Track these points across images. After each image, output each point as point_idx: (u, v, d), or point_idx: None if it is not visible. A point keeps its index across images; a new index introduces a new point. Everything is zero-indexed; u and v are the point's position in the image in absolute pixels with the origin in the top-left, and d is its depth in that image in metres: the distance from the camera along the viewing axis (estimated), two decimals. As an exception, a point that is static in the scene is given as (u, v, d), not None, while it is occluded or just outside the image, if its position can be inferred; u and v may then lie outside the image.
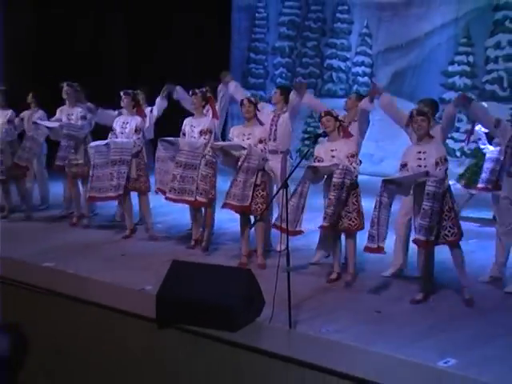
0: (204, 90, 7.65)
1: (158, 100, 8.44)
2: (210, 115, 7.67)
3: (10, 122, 8.87)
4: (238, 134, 7.02)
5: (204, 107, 7.62)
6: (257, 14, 14.01)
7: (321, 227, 6.47)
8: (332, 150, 6.46)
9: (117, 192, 7.79)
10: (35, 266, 6.89)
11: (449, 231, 5.90)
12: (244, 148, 6.76)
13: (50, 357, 5.87)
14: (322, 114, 6.58)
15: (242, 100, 7.16)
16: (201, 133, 7.38)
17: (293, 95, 7.38)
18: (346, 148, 6.45)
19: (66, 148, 8.36)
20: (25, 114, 9.21)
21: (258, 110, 7.12)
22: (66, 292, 6.26)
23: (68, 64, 11.46)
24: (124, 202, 8.03)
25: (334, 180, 6.21)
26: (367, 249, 6.06)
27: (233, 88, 7.93)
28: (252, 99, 7.16)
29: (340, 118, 6.70)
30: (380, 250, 6.05)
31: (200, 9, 13.13)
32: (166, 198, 7.41)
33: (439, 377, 4.56)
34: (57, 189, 9.70)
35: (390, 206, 5.99)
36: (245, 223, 6.96)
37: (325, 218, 6.31)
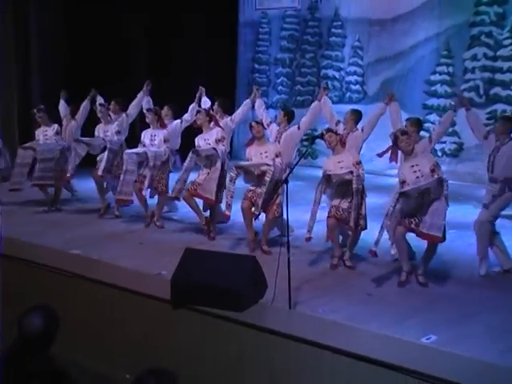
0: (207, 109, 7.86)
1: (191, 106, 8.37)
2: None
3: (57, 134, 8.99)
4: (255, 154, 7.09)
5: (209, 123, 7.64)
6: (260, 29, 13.99)
7: (359, 228, 6.40)
8: (339, 162, 6.49)
9: (153, 195, 8.05)
10: (64, 253, 6.89)
11: None
12: (268, 165, 6.84)
13: (75, 333, 5.88)
14: (324, 132, 6.63)
15: (251, 123, 7.28)
16: (216, 141, 7.44)
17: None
18: (352, 157, 6.49)
19: (108, 160, 8.38)
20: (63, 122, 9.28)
21: (265, 128, 7.31)
22: (90, 276, 6.29)
23: (98, 72, 11.39)
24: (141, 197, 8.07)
25: (354, 187, 6.20)
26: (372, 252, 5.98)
27: (257, 104, 7.98)
28: (259, 121, 7.30)
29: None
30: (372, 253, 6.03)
31: (210, 25, 13.14)
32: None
33: (422, 352, 4.58)
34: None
35: (392, 216, 5.97)
36: (250, 216, 6.98)
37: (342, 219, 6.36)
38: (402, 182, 6.05)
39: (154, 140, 8.04)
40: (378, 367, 4.47)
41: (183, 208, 8.61)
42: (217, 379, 5.27)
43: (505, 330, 4.98)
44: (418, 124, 6.84)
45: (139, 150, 8.09)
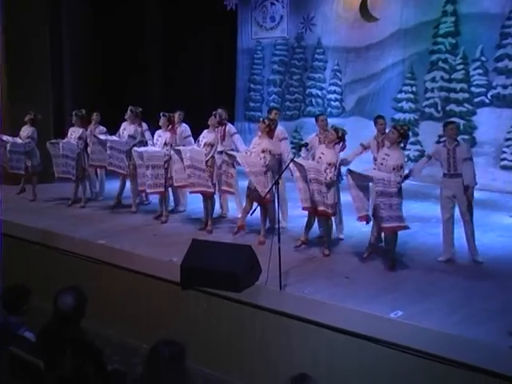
0: (223, 116, 7.65)
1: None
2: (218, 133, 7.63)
3: (80, 138, 8.77)
4: (252, 143, 6.95)
5: (217, 128, 7.56)
6: (255, 55, 13.97)
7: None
8: (322, 153, 6.35)
9: (153, 189, 7.71)
10: (91, 243, 6.88)
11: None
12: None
13: (101, 309, 5.87)
14: (333, 128, 6.52)
15: (259, 119, 7.14)
16: (205, 144, 7.31)
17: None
18: (330, 157, 6.28)
19: (111, 156, 8.22)
20: (89, 127, 9.11)
21: (271, 126, 6.92)
22: (113, 262, 6.29)
23: (119, 82, 11.34)
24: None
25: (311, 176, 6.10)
26: (359, 218, 6.02)
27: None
28: (265, 120, 6.97)
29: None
30: (365, 217, 5.99)
31: (214, 51, 13.20)
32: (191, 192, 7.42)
33: (390, 324, 4.59)
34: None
35: (358, 187, 5.94)
36: (247, 210, 6.92)
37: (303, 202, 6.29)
38: (374, 159, 6.17)
39: (158, 140, 7.88)
40: (354, 338, 4.49)
41: (190, 205, 8.61)
42: (219, 349, 5.27)
43: (458, 306, 5.00)
44: (384, 118, 7.14)
45: (142, 148, 7.94)
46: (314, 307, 4.92)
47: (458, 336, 4.34)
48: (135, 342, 5.54)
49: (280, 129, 7.54)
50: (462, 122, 10.52)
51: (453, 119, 10.62)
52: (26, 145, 9.07)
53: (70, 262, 6.56)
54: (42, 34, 10.80)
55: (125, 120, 8.60)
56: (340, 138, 6.42)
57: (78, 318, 3.44)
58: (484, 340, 4.26)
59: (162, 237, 7.22)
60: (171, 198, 8.42)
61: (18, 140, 9.14)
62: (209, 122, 7.49)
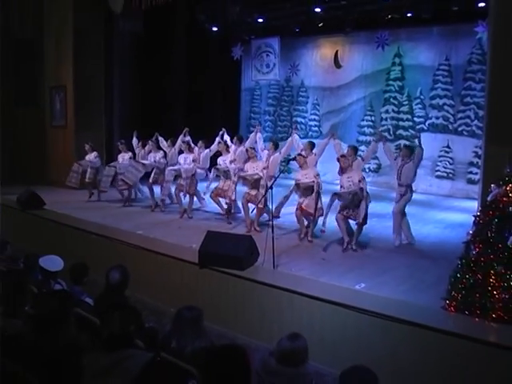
0: (225, 142, 7.86)
1: (216, 140, 8.24)
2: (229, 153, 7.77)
3: (130, 158, 8.94)
4: (249, 167, 7.16)
5: (226, 150, 7.73)
6: (255, 93, 14.00)
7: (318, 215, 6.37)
8: (305, 174, 6.53)
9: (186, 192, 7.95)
10: (132, 233, 6.88)
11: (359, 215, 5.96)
12: (258, 174, 6.95)
13: (140, 282, 5.87)
14: (296, 156, 6.62)
15: (247, 148, 7.34)
16: (230, 162, 7.53)
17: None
18: (313, 172, 6.51)
19: (155, 173, 8.52)
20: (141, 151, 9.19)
21: (257, 151, 7.29)
22: (148, 247, 6.26)
23: (154, 114, 11.43)
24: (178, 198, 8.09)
25: (315, 189, 6.29)
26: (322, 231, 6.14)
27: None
28: (253, 148, 7.30)
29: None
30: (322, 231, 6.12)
31: (223, 90, 13.24)
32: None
33: (355, 294, 4.61)
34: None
35: (330, 207, 6.06)
36: (247, 209, 6.99)
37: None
38: (340, 187, 6.11)
39: (186, 160, 8.06)
40: (328, 304, 4.49)
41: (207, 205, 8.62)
42: (227, 313, 5.27)
43: (406, 279, 5.03)
44: (355, 149, 6.87)
45: (175, 167, 8.12)
46: (298, 281, 4.93)
47: (405, 301, 4.37)
48: (165, 307, 5.54)
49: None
50: (407, 142, 10.63)
51: (401, 141, 10.84)
52: (97, 162, 9.37)
53: (117, 247, 6.56)
54: (99, 83, 11.10)
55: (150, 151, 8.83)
56: (305, 157, 6.65)
57: (123, 288, 3.47)
58: (424, 303, 4.29)
59: (185, 229, 7.25)
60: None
61: (93, 160, 9.38)
62: (219, 150, 7.62)
